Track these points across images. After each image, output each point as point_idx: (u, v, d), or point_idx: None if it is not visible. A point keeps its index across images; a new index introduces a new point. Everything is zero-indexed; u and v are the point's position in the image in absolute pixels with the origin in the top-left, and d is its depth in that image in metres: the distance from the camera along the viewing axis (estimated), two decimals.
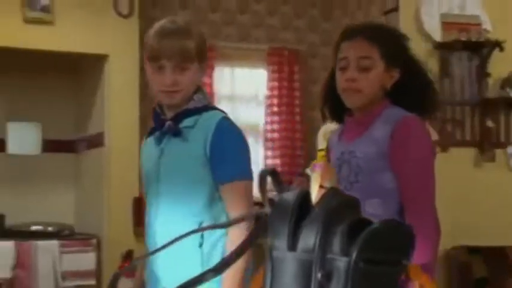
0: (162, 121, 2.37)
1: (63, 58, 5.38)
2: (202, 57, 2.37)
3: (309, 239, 0.91)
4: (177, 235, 2.07)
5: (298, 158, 6.51)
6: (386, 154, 2.16)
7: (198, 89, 2.40)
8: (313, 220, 0.92)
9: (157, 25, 2.36)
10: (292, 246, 0.92)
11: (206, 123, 2.31)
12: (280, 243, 0.92)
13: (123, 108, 5.23)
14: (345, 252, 0.89)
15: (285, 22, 6.51)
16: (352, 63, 2.22)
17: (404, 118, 2.19)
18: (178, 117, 2.34)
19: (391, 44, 2.26)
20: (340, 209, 0.93)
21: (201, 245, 2.25)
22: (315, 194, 0.94)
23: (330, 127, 5.43)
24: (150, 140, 2.44)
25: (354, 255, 0.88)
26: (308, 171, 0.92)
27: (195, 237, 2.23)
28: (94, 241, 5.24)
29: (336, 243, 0.90)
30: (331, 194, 0.95)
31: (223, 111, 2.42)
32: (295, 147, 6.56)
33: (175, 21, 2.37)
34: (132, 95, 5.26)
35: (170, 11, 5.68)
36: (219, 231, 2.26)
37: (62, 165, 5.79)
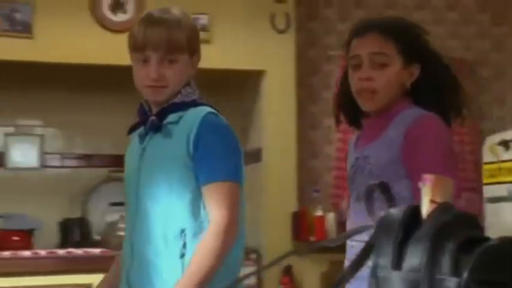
0: (147, 117, 2.16)
1: (221, 75, 5.50)
2: (193, 50, 2.16)
3: (415, 257, 0.84)
4: (156, 243, 2.02)
5: None
6: (399, 158, 1.96)
7: (188, 83, 2.19)
8: (421, 237, 0.85)
9: (145, 13, 2.20)
10: (397, 265, 0.85)
11: (191, 118, 2.09)
12: (385, 261, 0.86)
13: (280, 123, 5.25)
14: (455, 273, 0.81)
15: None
16: (366, 60, 2.03)
17: (420, 117, 1.99)
18: (164, 113, 2.13)
19: (408, 37, 2.05)
20: (451, 225, 0.85)
21: (182, 256, 2.04)
22: (426, 209, 0.86)
23: (495, 138, 5.17)
24: (134, 138, 2.23)
25: (465, 275, 0.80)
26: (420, 184, 0.85)
27: (177, 248, 2.04)
28: (254, 255, 5.29)
29: (445, 263, 0.82)
30: (441, 209, 0.88)
31: (212, 107, 2.20)
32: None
33: (167, 10, 2.16)
34: (289, 110, 5.27)
35: (327, 24, 5.64)
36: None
37: None
